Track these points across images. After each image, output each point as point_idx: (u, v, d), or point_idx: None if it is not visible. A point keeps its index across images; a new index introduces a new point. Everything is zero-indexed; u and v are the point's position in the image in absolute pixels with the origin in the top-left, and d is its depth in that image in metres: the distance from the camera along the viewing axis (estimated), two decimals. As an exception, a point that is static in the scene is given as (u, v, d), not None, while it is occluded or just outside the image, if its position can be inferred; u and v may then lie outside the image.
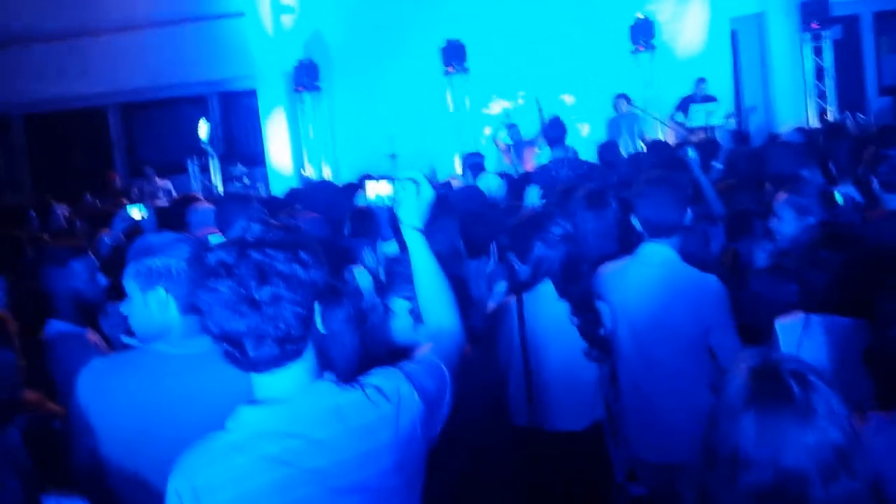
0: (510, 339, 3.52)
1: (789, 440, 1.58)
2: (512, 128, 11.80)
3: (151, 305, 2.52)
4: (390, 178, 2.44)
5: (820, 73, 12.99)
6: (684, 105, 12.05)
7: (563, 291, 3.44)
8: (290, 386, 1.92)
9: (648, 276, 3.66)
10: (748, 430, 1.61)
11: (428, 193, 2.40)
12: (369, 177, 2.50)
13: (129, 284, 2.56)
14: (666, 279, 3.64)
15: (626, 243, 3.97)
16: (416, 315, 2.70)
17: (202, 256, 1.91)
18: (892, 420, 2.17)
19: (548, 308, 3.45)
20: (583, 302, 3.44)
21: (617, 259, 3.88)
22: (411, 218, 2.38)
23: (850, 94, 12.89)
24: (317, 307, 1.93)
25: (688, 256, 3.75)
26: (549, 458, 3.49)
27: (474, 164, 9.12)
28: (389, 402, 1.97)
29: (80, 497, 1.90)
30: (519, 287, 3.57)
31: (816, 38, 12.90)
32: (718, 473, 1.65)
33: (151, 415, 2.40)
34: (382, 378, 2.02)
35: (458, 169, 11.91)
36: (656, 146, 8.05)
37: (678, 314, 3.59)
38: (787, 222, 3.97)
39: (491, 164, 10.39)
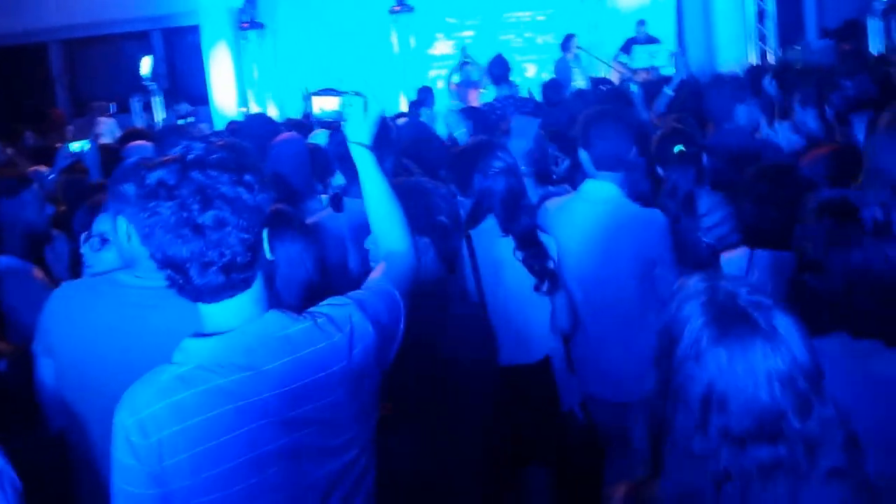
0: (463, 275, 3.46)
1: (762, 372, 1.52)
2: (464, 67, 11.81)
3: (119, 233, 2.49)
4: (337, 92, 2.33)
5: (761, 16, 13.13)
6: (628, 46, 12.21)
7: (506, 227, 3.39)
8: (238, 316, 1.86)
9: (592, 213, 3.66)
10: (719, 368, 1.53)
11: (376, 109, 2.30)
12: (315, 92, 2.35)
13: (107, 212, 2.53)
14: (610, 216, 3.64)
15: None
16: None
17: (142, 176, 1.81)
18: (836, 349, 2.15)
19: (493, 244, 3.40)
20: (526, 236, 3.41)
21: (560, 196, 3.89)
22: (359, 135, 2.29)
23: (790, 36, 13.08)
24: (264, 233, 1.88)
25: (632, 192, 3.77)
26: (501, 391, 3.42)
27: (421, 99, 9.18)
28: (341, 332, 1.92)
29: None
30: (465, 222, 3.48)
31: (759, -20, 13.08)
32: (687, 420, 1.57)
33: (106, 344, 2.38)
34: (333, 307, 1.97)
35: (404, 108, 11.94)
36: (601, 84, 8.15)
37: (623, 250, 3.61)
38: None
39: (443, 104, 10.43)
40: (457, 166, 3.58)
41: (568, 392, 3.60)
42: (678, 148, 3.98)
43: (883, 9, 10.96)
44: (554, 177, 4.65)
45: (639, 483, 1.72)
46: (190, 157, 1.79)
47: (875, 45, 10.86)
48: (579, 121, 3.87)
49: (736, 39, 12.79)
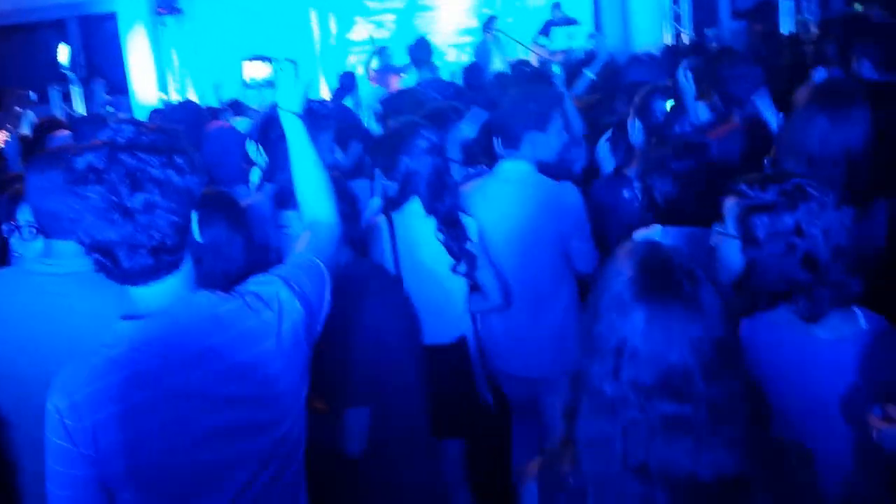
0: (382, 258, 3.49)
1: (676, 335, 1.56)
2: (382, 52, 11.84)
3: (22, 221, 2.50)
4: (267, 59, 2.32)
5: (676, -3, 13.46)
6: (546, 28, 12.34)
7: (430, 208, 3.44)
8: (168, 298, 1.86)
9: (507, 193, 3.72)
10: (637, 323, 1.57)
11: (306, 77, 2.29)
12: (246, 58, 2.32)
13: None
14: (524, 194, 3.70)
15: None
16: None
17: (70, 160, 1.81)
18: (758, 323, 2.29)
19: (416, 225, 3.45)
20: (448, 217, 3.45)
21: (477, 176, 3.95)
22: (289, 102, 2.27)
23: (704, 17, 13.39)
24: (193, 216, 1.88)
25: (546, 168, 3.82)
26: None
27: (344, 84, 9.19)
28: (270, 310, 1.93)
29: None
30: (388, 205, 3.54)
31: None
32: (601, 366, 1.61)
33: (26, 332, 2.38)
34: (261, 285, 1.99)
35: (325, 94, 11.95)
36: (521, 66, 8.22)
37: (539, 228, 3.66)
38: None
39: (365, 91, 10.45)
40: (381, 149, 3.60)
41: (482, 368, 3.67)
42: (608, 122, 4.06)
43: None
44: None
45: (551, 457, 1.76)
46: (119, 140, 1.78)
47: (786, 26, 11.17)
48: (499, 106, 3.94)
49: (651, 20, 12.99)
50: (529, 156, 3.76)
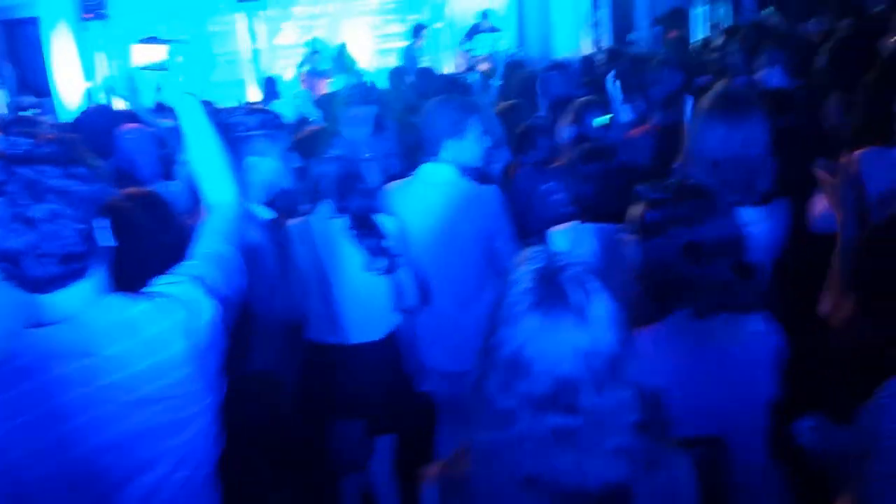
0: (302, 262, 3.55)
1: (567, 346, 1.57)
2: (314, 55, 11.89)
3: None
4: (162, 41, 2.28)
5: (596, 4, 13.66)
6: (471, 35, 12.65)
7: (340, 207, 3.51)
8: (77, 304, 1.85)
9: (431, 195, 3.78)
10: (529, 335, 1.59)
11: (202, 59, 2.29)
12: (140, 40, 2.29)
13: None
14: (448, 196, 3.77)
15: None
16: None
17: None
18: (662, 330, 2.31)
19: (331, 226, 3.52)
20: (359, 216, 3.51)
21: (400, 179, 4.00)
22: (185, 84, 2.29)
23: (622, 24, 13.76)
24: (100, 222, 1.87)
25: (470, 172, 3.88)
26: (349, 368, 3.57)
27: (269, 90, 9.28)
28: (182, 310, 1.93)
29: None
30: (305, 208, 3.60)
31: (592, -31, 13.68)
32: (495, 377, 1.63)
33: None
34: (171, 285, 1.98)
35: (254, 97, 11.99)
36: (427, 73, 8.39)
37: (462, 229, 3.73)
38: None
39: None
40: (295, 153, 3.69)
41: (412, 364, 3.76)
42: (523, 125, 4.17)
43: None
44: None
45: (451, 461, 1.79)
46: (13, 153, 1.77)
47: (698, 33, 11.56)
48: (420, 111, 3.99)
49: (572, 28, 13.29)
50: (450, 161, 3.82)
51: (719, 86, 3.60)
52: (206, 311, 1.98)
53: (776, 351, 2.35)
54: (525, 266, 1.66)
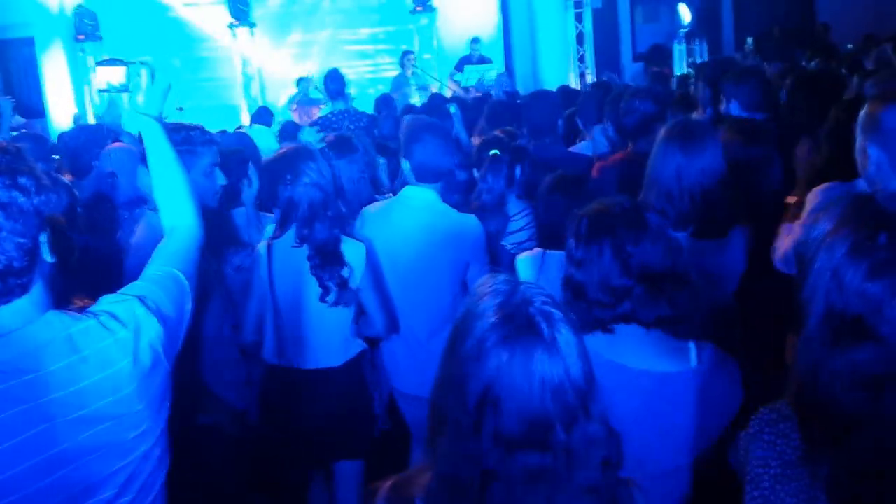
0: (262, 285, 3.56)
1: (537, 380, 1.51)
2: (306, 82, 12.04)
3: None
4: (122, 62, 2.25)
5: (580, 39, 14.07)
6: (461, 65, 12.88)
7: (300, 236, 3.48)
8: (17, 320, 1.81)
9: (411, 219, 3.77)
10: (498, 370, 1.53)
11: (163, 80, 2.27)
12: (99, 62, 2.24)
13: None
14: (428, 221, 3.76)
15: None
16: None
17: None
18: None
19: (294, 254, 3.50)
20: (320, 246, 3.48)
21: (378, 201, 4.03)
22: (147, 105, 2.27)
23: (606, 58, 14.05)
24: (43, 237, 1.84)
25: (450, 201, 3.90)
26: (306, 393, 3.59)
27: (258, 116, 9.49)
28: (125, 328, 1.89)
29: None
30: (273, 233, 3.60)
31: (578, 5, 14.00)
32: (462, 415, 1.56)
33: None
34: (115, 304, 1.94)
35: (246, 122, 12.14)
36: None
37: (440, 254, 3.72)
38: None
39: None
40: (267, 180, 3.72)
41: (377, 388, 3.76)
42: (493, 152, 4.17)
43: (684, 34, 12.04)
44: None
45: (403, 479, 1.75)
46: None
47: (680, 67, 11.88)
48: (402, 133, 3.99)
49: (558, 61, 13.62)
50: (437, 187, 3.85)
51: (679, 117, 3.72)
52: (150, 330, 1.94)
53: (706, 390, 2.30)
54: (489, 297, 1.61)
